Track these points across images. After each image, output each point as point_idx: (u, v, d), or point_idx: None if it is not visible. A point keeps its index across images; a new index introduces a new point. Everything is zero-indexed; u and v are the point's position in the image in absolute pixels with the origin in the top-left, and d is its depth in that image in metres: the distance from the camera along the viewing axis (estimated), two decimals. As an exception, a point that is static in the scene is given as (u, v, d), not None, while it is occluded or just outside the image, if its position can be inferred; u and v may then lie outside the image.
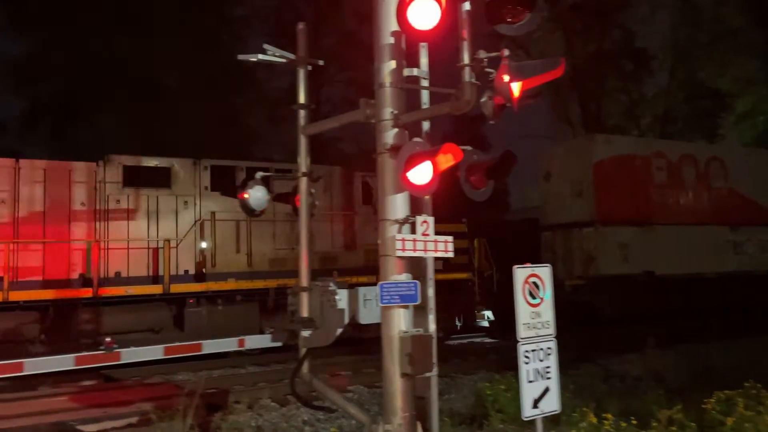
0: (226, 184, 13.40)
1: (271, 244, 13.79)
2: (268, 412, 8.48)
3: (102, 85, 25.21)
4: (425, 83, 5.06)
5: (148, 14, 24.86)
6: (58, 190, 12.13)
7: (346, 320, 5.30)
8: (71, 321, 11.65)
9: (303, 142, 5.78)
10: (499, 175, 4.92)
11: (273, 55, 5.68)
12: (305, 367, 5.57)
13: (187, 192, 13.24)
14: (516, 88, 4.28)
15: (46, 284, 11.66)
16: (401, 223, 4.71)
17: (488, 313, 13.98)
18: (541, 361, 5.03)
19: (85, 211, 12.30)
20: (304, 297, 5.57)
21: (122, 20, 24.65)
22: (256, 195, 6.10)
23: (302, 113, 5.78)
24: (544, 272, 5.22)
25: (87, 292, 11.63)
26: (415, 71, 5.01)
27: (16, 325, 11.33)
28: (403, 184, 4.46)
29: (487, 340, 14.93)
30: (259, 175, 6.29)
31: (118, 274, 12.28)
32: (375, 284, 4.79)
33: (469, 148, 4.73)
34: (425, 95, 5.07)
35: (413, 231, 4.69)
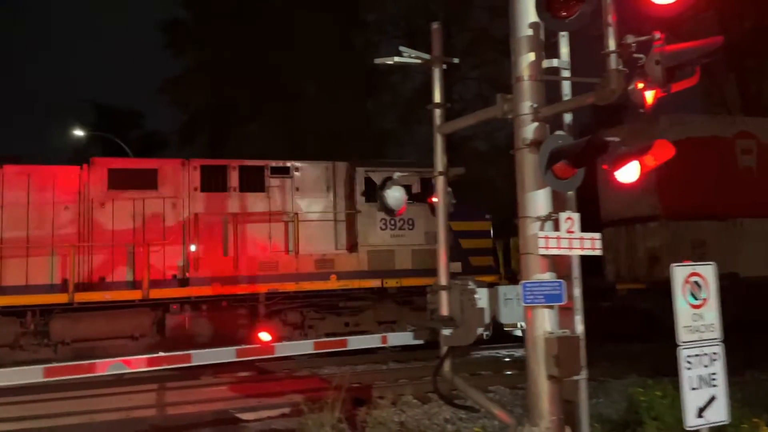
0: (216, 184, 13.05)
1: (266, 246, 13.19)
2: (410, 408, 8.59)
3: (250, 95, 27.13)
4: (566, 74, 4.86)
5: (290, 25, 26.26)
6: (43, 194, 12.01)
7: (487, 320, 5.23)
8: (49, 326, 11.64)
9: (439, 141, 5.77)
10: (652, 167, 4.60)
11: (409, 56, 5.73)
12: (447, 366, 5.57)
13: (174, 193, 12.80)
14: (668, 73, 3.98)
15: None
16: (543, 220, 4.56)
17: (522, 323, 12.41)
18: (705, 367, 4.64)
19: (69, 215, 12.19)
20: (444, 296, 5.57)
21: (267, 31, 26.28)
22: (394, 195, 6.21)
23: (438, 112, 5.77)
24: (707, 270, 4.80)
25: (63, 298, 11.56)
26: (555, 62, 4.84)
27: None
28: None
29: (516, 351, 13.33)
30: (396, 175, 6.40)
31: (102, 279, 12.15)
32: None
33: (616, 139, 4.47)
34: (566, 86, 4.88)
35: (556, 228, 4.53)
